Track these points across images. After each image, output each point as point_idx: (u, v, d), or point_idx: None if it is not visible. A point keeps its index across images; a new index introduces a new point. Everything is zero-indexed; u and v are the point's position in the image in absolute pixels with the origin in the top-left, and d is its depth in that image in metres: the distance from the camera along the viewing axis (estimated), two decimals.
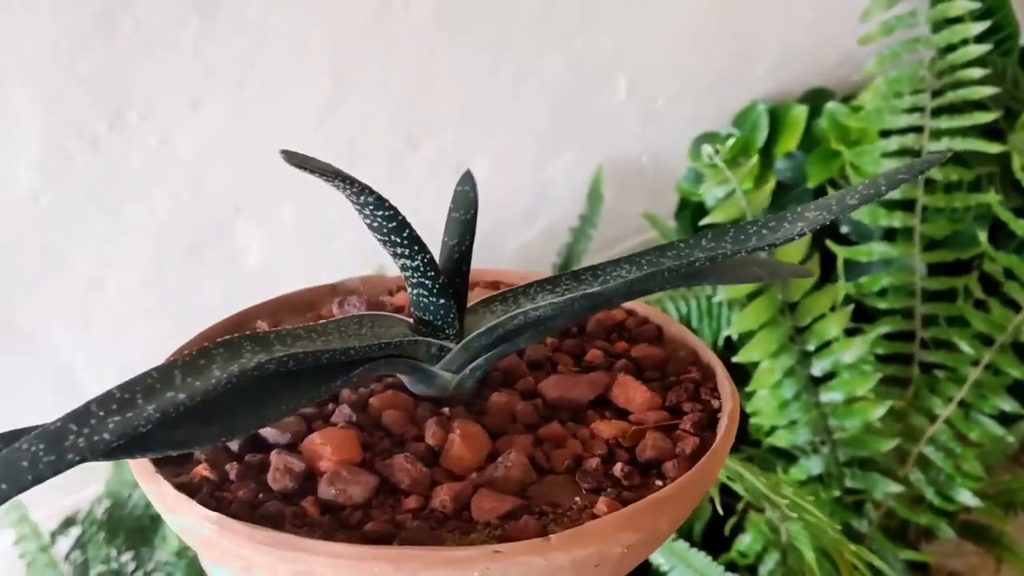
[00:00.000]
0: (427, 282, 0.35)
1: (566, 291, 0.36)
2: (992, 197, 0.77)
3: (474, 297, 0.46)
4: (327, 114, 0.95)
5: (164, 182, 0.88)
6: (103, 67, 0.81)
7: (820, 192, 1.00)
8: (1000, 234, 0.87)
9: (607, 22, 1.12)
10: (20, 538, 0.75)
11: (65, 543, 0.87)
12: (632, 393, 0.38)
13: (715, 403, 0.37)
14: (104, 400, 0.28)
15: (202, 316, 0.95)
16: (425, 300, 0.36)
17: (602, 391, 0.38)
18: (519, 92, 1.08)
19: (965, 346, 0.80)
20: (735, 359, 0.81)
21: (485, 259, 1.17)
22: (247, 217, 0.94)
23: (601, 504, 0.31)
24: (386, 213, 0.33)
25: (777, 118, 1.08)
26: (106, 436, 0.28)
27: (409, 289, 0.36)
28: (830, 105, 1.01)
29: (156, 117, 0.85)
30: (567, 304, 0.36)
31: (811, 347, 0.79)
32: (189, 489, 0.34)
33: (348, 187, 0.31)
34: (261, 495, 0.33)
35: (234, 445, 0.36)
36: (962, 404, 0.80)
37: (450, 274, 0.38)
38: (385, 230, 0.33)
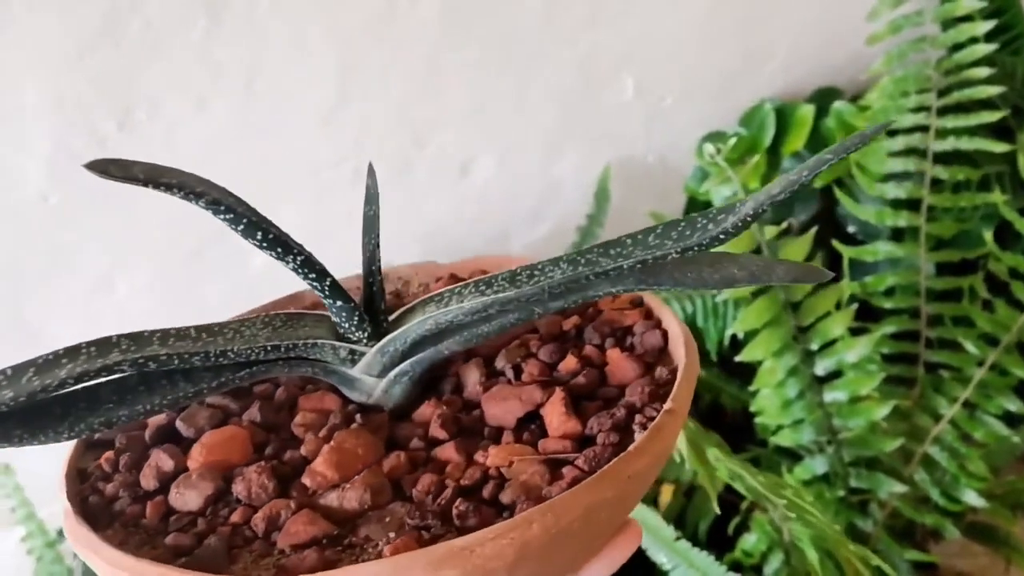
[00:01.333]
0: (315, 284, 0.33)
1: (494, 293, 0.33)
2: (998, 197, 0.77)
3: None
4: (332, 114, 0.95)
5: None
6: (111, 67, 0.82)
7: (826, 192, 1.00)
8: (1007, 234, 0.86)
9: (613, 21, 1.12)
10: (28, 535, 0.76)
11: None
12: (553, 413, 0.34)
13: (639, 435, 0.33)
14: None
15: (208, 316, 0.96)
16: (325, 300, 0.34)
17: (532, 409, 0.35)
18: (525, 91, 1.08)
19: (970, 346, 0.79)
20: (738, 358, 0.81)
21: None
22: None
23: (388, 548, 0.28)
24: (228, 215, 0.30)
25: (784, 117, 1.08)
26: None
27: None
28: (837, 104, 1.01)
29: (163, 117, 0.85)
30: (479, 309, 0.33)
31: (814, 346, 0.79)
32: (83, 476, 0.35)
33: (170, 191, 0.29)
34: (121, 491, 0.33)
35: (148, 435, 0.36)
36: (967, 404, 0.80)
37: (365, 273, 0.37)
38: (239, 231, 0.31)
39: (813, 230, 0.76)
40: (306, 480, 0.32)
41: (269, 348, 0.33)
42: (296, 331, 0.35)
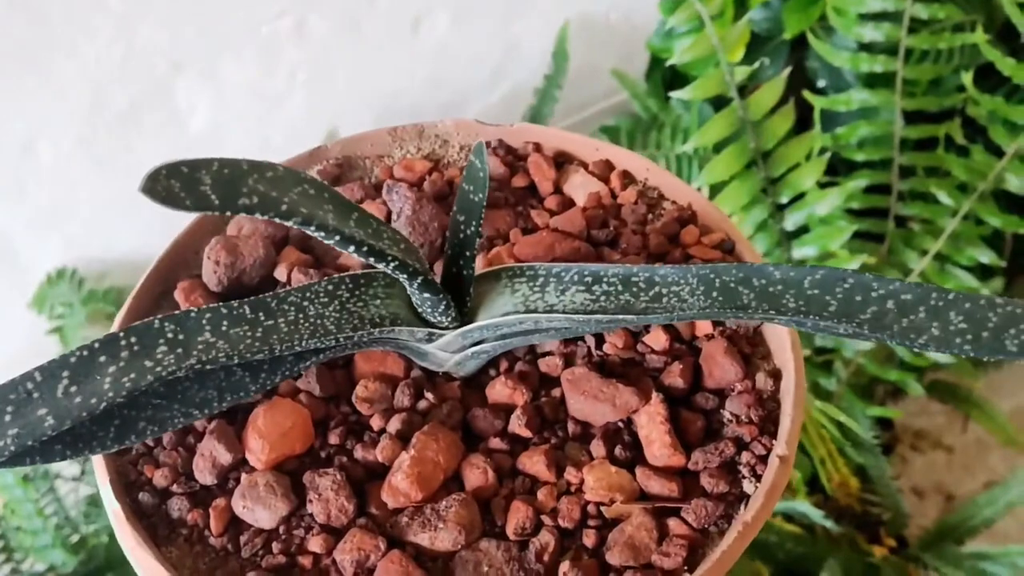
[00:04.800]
0: (407, 282, 0.30)
1: (604, 295, 0.30)
2: (980, 36, 0.73)
3: (536, 168, 0.40)
4: None
5: (90, 34, 0.81)
6: None
7: (798, 43, 0.95)
8: (986, 83, 0.82)
9: None
10: None
11: None
12: (653, 433, 0.31)
13: (749, 485, 0.30)
14: None
15: None
16: (410, 290, 0.31)
17: (626, 415, 0.32)
18: None
19: (944, 196, 0.76)
20: None
21: None
22: (188, 76, 0.88)
23: None
24: (320, 232, 0.27)
25: None
26: None
27: None
28: None
29: None
30: (591, 324, 0.30)
31: (784, 199, 0.76)
32: (121, 450, 0.32)
33: (251, 213, 0.25)
34: (175, 485, 0.31)
35: None
36: (938, 257, 0.78)
37: (454, 253, 0.33)
38: (332, 243, 0.27)
39: (786, 72, 0.71)
40: (386, 497, 0.30)
41: (341, 339, 0.30)
42: (367, 308, 0.31)
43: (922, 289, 0.27)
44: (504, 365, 0.34)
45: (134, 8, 0.81)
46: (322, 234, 0.27)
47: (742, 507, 0.30)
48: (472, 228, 0.32)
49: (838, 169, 0.85)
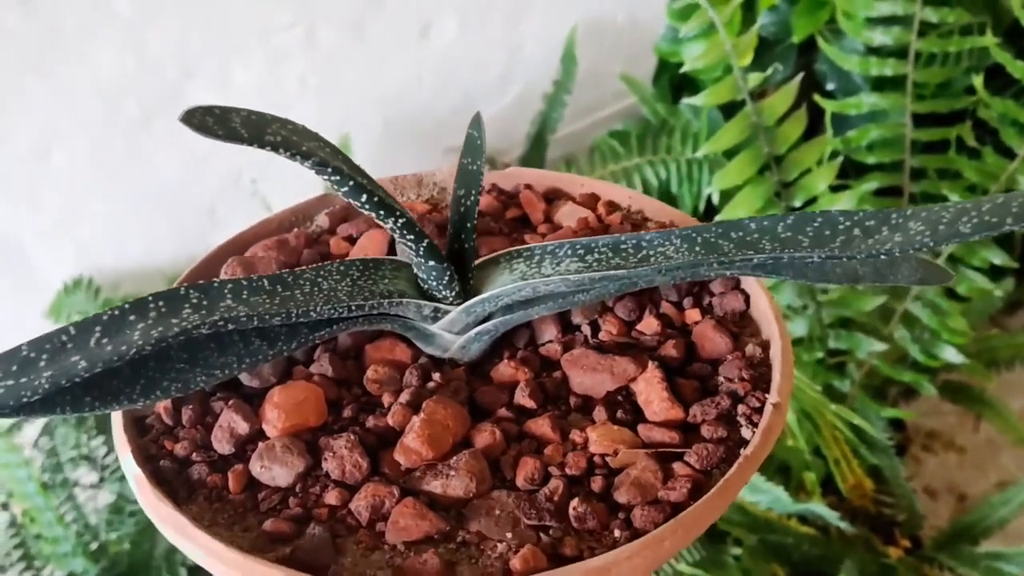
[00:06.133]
0: (411, 244, 0.32)
1: (596, 262, 0.32)
2: (989, 40, 0.73)
3: (528, 202, 0.43)
4: None
5: (103, 43, 0.81)
6: None
7: (806, 47, 0.95)
8: (995, 84, 0.83)
9: None
10: None
11: (32, 430, 0.84)
12: (652, 395, 0.33)
13: (747, 431, 0.32)
14: (7, 358, 0.28)
15: (158, 190, 0.89)
16: (415, 260, 0.33)
17: (625, 383, 0.34)
18: None
19: (956, 198, 0.77)
20: (719, 217, 0.78)
21: (455, 129, 1.11)
22: (199, 82, 0.88)
23: (517, 560, 0.27)
24: (335, 177, 0.29)
25: None
26: None
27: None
28: None
29: None
30: (583, 282, 0.32)
31: (797, 203, 0.76)
32: (141, 428, 0.33)
33: (275, 150, 0.28)
34: (195, 454, 0.32)
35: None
36: (951, 258, 0.78)
37: (455, 228, 0.35)
38: (343, 192, 0.29)
39: (798, 77, 0.71)
40: (399, 457, 0.31)
41: (353, 308, 0.32)
42: (376, 284, 0.34)
43: (883, 213, 0.29)
44: (507, 354, 0.36)
45: (144, 16, 0.82)
46: (336, 178, 0.29)
47: (742, 451, 0.31)
48: (472, 199, 0.35)
49: (849, 172, 0.85)
